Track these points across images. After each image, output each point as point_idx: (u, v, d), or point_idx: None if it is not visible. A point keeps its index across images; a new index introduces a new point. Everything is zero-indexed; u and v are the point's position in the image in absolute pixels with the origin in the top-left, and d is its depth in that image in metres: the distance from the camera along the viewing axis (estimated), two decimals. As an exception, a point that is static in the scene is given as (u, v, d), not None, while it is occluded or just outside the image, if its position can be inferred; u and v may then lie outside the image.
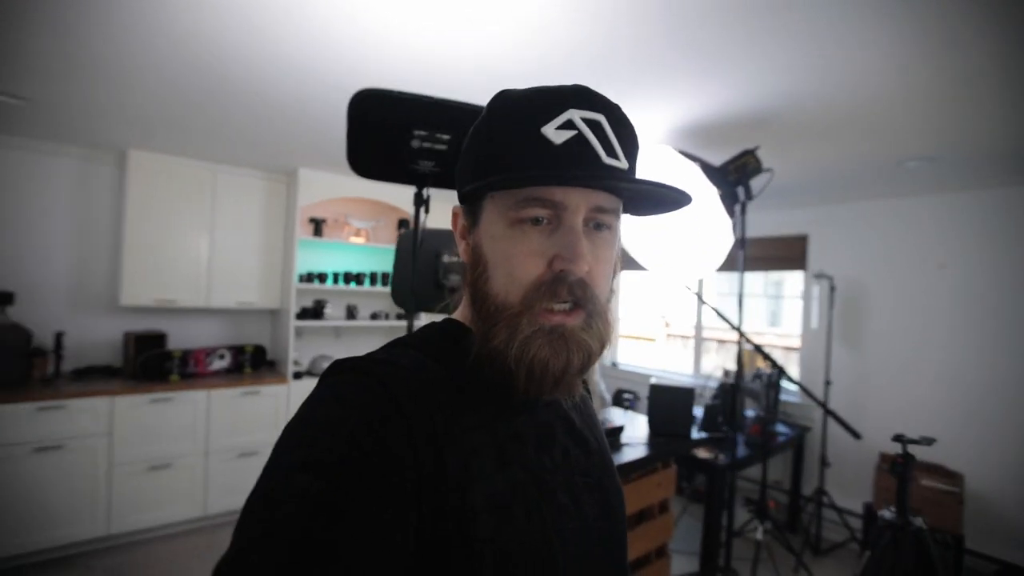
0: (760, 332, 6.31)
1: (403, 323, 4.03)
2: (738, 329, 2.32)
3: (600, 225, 0.48)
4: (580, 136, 0.45)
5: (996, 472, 2.75)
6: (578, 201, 0.45)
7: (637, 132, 0.50)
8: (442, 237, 1.45)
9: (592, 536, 0.52)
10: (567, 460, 0.53)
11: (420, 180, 1.20)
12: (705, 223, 2.08)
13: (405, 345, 0.51)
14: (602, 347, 0.48)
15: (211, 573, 0.33)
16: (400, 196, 3.86)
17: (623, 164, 0.47)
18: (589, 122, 0.45)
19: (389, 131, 1.09)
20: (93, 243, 3.11)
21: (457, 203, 0.55)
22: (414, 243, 1.28)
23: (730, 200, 2.25)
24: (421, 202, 1.26)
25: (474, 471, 0.43)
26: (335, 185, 3.55)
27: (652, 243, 2.15)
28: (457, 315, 0.55)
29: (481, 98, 1.93)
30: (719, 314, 2.49)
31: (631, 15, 1.37)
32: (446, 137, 1.12)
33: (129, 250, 2.99)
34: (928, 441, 1.50)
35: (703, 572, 2.49)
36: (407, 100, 1.05)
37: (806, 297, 3.61)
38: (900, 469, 1.51)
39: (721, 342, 4.99)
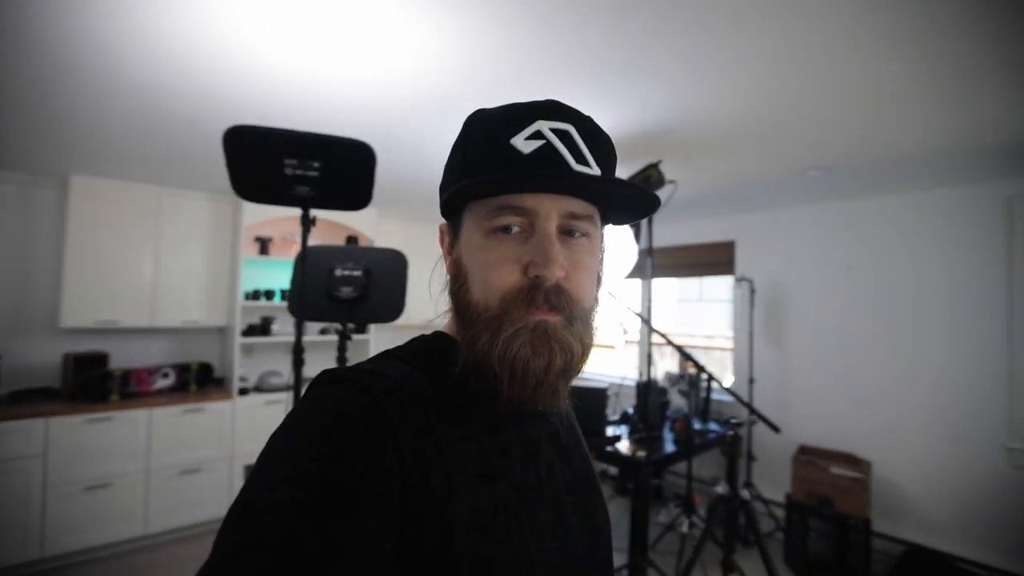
0: (711, 335, 6.54)
1: (359, 336, 4.12)
2: (649, 325, 2.48)
3: (575, 232, 0.48)
4: (548, 145, 0.46)
5: (901, 459, 2.95)
6: (549, 207, 0.46)
7: (611, 142, 0.52)
8: (335, 253, 1.57)
9: (575, 554, 0.51)
10: (552, 475, 0.53)
11: (300, 203, 1.33)
12: (609, 234, 2.24)
13: (393, 357, 0.51)
14: (584, 350, 0.48)
15: None
16: (348, 215, 3.97)
17: (595, 171, 0.48)
18: (558, 132, 0.47)
19: (262, 160, 1.22)
20: (33, 267, 3.14)
21: (443, 221, 0.58)
22: (302, 259, 1.40)
23: (635, 212, 2.41)
24: (307, 223, 1.38)
25: (457, 484, 0.43)
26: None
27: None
28: (445, 328, 0.56)
29: (373, 127, 2.08)
30: (642, 319, 2.65)
31: (516, 53, 1.53)
32: (316, 165, 1.25)
33: (70, 273, 3.03)
34: (750, 423, 1.68)
35: (629, 563, 2.61)
36: (274, 134, 1.18)
37: (734, 301, 3.82)
38: (729, 449, 1.67)
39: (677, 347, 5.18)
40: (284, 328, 3.91)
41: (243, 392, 3.49)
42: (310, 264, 1.55)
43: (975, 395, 2.73)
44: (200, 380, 3.49)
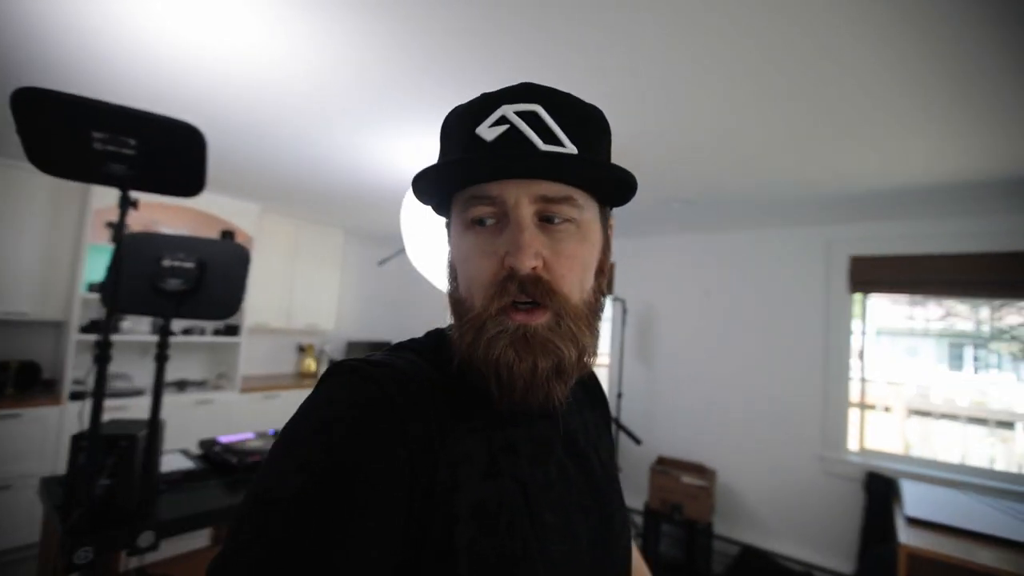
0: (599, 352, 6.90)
1: (228, 339, 3.80)
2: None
3: (554, 217, 0.46)
4: (512, 129, 0.44)
5: (739, 467, 3.28)
6: (516, 193, 0.44)
7: (593, 115, 0.49)
8: (165, 242, 1.44)
9: (584, 560, 0.48)
10: (564, 477, 0.50)
11: (116, 182, 1.21)
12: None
13: (405, 349, 0.51)
14: (580, 350, 0.45)
15: (204, 573, 0.33)
16: (225, 205, 3.69)
17: (569, 149, 0.45)
18: (524, 114, 0.44)
19: (63, 131, 1.10)
20: None
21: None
22: (118, 244, 1.27)
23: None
24: (126, 204, 1.26)
25: (461, 477, 0.42)
26: (141, 189, 3.29)
27: (435, 259, 2.31)
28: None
29: (247, 114, 1.96)
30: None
31: (376, 56, 1.52)
32: (133, 142, 1.15)
33: None
34: (617, 435, 1.79)
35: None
36: (76, 101, 1.07)
37: (613, 320, 4.06)
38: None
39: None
40: (139, 325, 3.51)
41: (76, 396, 3.07)
42: (134, 252, 1.42)
43: (797, 411, 3.12)
44: (21, 382, 3.02)
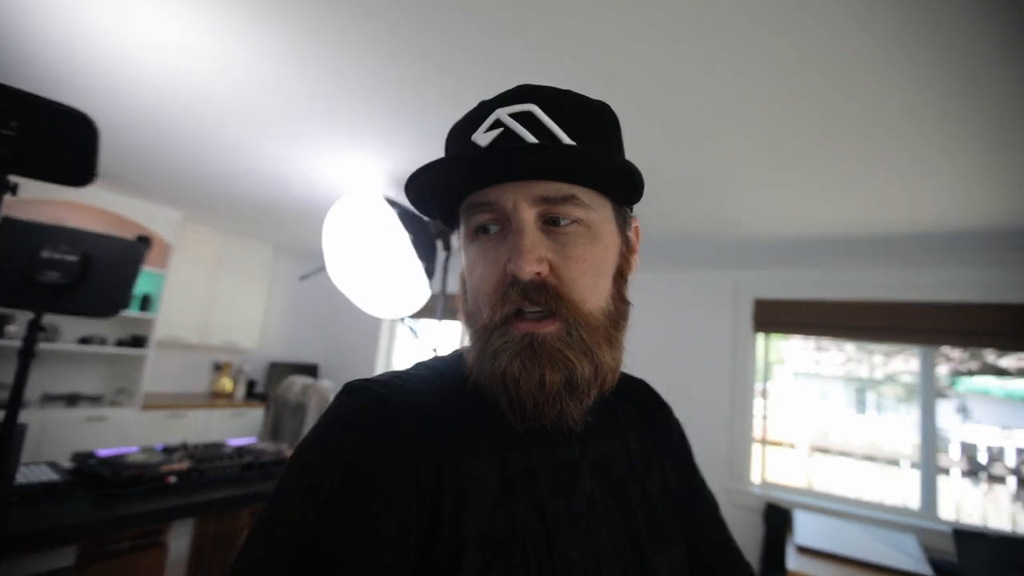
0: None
1: (133, 351, 3.54)
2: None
3: (559, 219, 0.43)
4: (506, 131, 0.43)
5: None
6: (515, 197, 0.42)
7: (594, 111, 0.47)
8: (46, 232, 1.37)
9: None
10: (592, 510, 0.46)
11: (-8, 165, 1.15)
12: (400, 266, 2.30)
13: (421, 366, 0.49)
14: (595, 365, 0.42)
15: None
16: (144, 210, 3.53)
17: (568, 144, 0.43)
18: (518, 115, 0.43)
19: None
20: None
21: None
22: (-12, 231, 1.20)
23: (431, 251, 2.47)
24: (3, 188, 1.19)
25: (470, 499, 0.39)
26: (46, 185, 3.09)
27: (356, 278, 2.30)
28: None
29: (170, 114, 1.91)
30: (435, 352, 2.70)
31: (294, 71, 1.55)
32: (13, 123, 1.11)
33: None
34: None
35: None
36: (-49, 76, 1.03)
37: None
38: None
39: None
40: (27, 332, 3.21)
41: (-60, 406, 2.74)
42: (9, 241, 1.34)
43: (706, 444, 3.25)
44: None
